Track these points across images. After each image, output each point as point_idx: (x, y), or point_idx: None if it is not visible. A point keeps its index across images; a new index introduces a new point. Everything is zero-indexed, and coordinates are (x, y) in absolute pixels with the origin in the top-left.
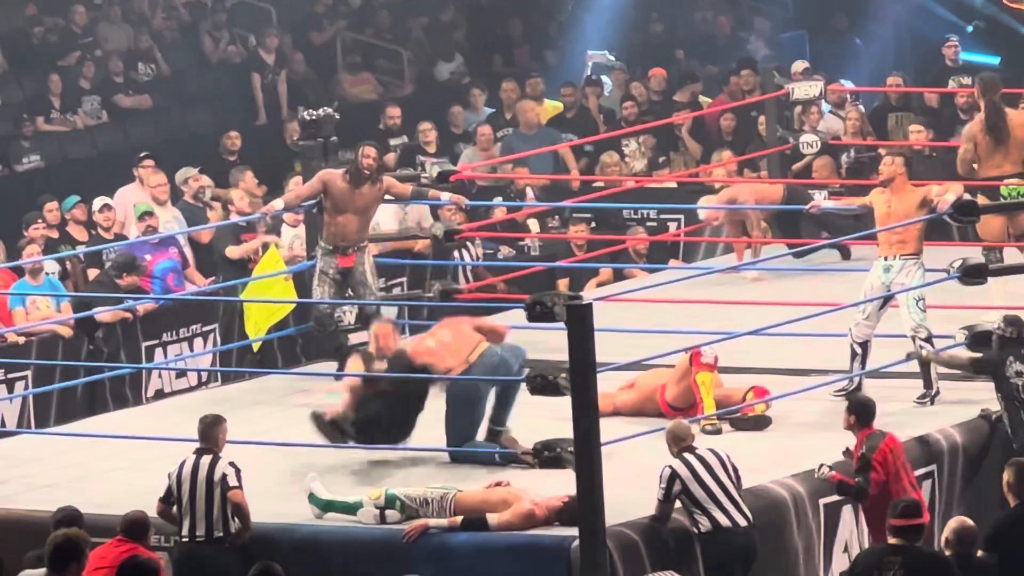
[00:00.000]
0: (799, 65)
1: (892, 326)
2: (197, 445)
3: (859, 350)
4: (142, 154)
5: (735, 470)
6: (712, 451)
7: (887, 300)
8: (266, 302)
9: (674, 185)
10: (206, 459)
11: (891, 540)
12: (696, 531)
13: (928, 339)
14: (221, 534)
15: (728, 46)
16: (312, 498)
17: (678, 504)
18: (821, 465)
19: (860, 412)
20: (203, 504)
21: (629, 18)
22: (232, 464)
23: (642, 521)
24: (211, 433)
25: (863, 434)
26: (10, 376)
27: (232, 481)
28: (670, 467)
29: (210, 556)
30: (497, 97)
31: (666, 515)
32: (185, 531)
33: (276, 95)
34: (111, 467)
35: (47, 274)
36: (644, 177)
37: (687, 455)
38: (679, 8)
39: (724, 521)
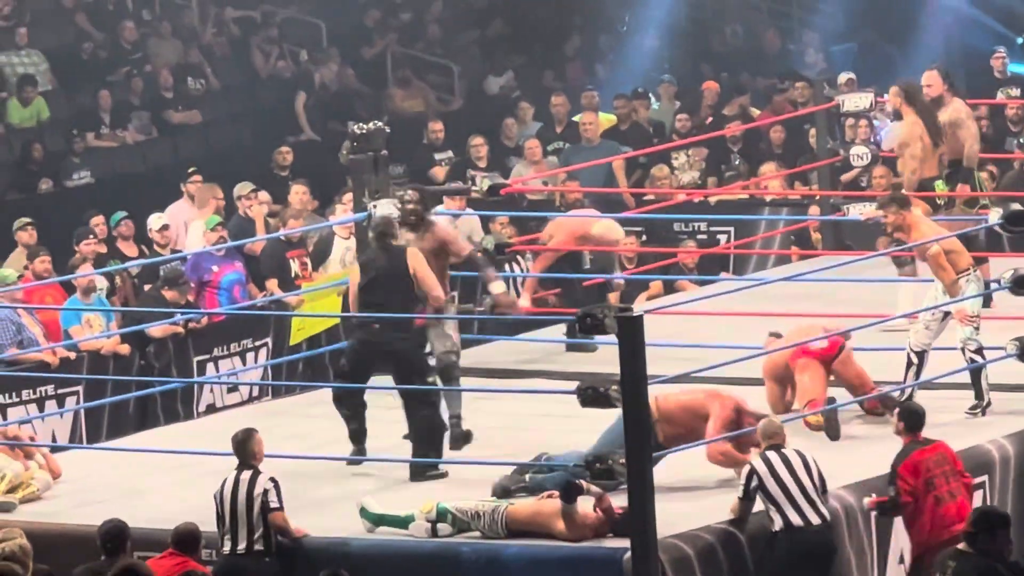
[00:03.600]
0: (844, 77)
1: (944, 338)
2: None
3: (916, 360)
4: (190, 170)
5: (819, 474)
6: (797, 451)
7: (947, 314)
8: (315, 316)
9: (727, 197)
10: (246, 475)
11: (960, 545)
12: (772, 530)
13: (978, 351)
14: (262, 548)
15: (777, 59)
16: (364, 512)
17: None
18: (864, 498)
19: (907, 419)
20: (244, 519)
21: (680, 31)
22: (272, 480)
23: (694, 532)
24: (244, 449)
25: (905, 442)
26: (61, 391)
27: (272, 501)
28: (750, 464)
29: (250, 569)
30: (547, 111)
31: (745, 514)
32: (227, 546)
33: (325, 110)
34: (162, 482)
35: (97, 291)
36: (695, 190)
37: (770, 453)
38: (729, 21)
39: (796, 520)
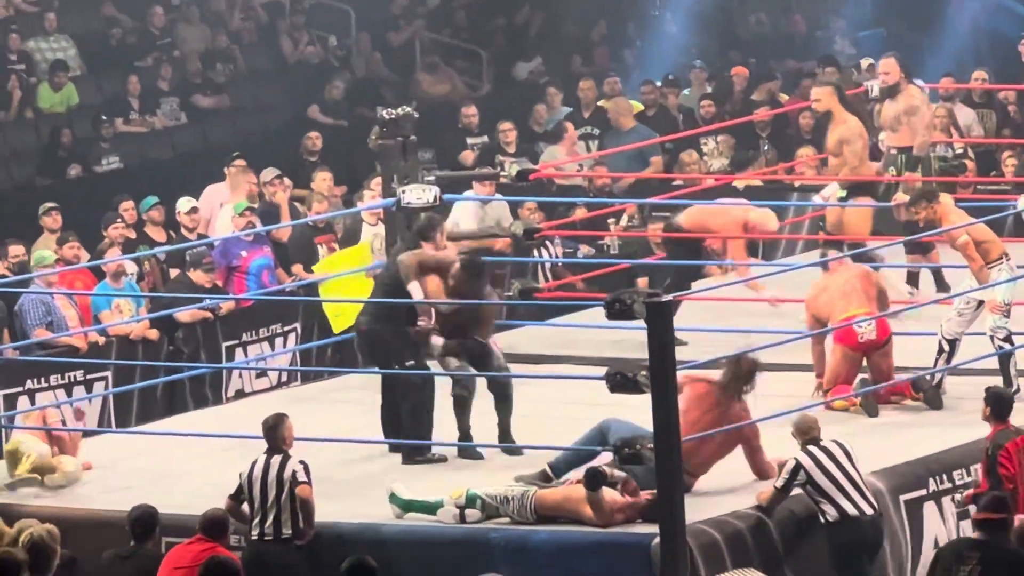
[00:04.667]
0: (866, 62)
1: (973, 325)
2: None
3: (947, 347)
4: (235, 154)
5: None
6: (836, 442)
7: (981, 302)
8: (343, 301)
9: (758, 183)
10: (276, 459)
11: (974, 534)
12: (825, 521)
13: (1007, 339)
14: (290, 532)
15: (805, 46)
16: (393, 498)
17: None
18: (954, 494)
19: (995, 405)
20: (274, 503)
21: (707, 18)
22: (302, 462)
23: (722, 518)
24: (275, 435)
25: (995, 430)
26: (90, 376)
27: (301, 477)
28: (795, 459)
29: (279, 554)
30: (575, 96)
31: (776, 504)
32: (255, 531)
33: (355, 96)
34: (191, 467)
35: (126, 276)
36: (724, 175)
37: (811, 447)
38: (755, 9)
39: (851, 510)
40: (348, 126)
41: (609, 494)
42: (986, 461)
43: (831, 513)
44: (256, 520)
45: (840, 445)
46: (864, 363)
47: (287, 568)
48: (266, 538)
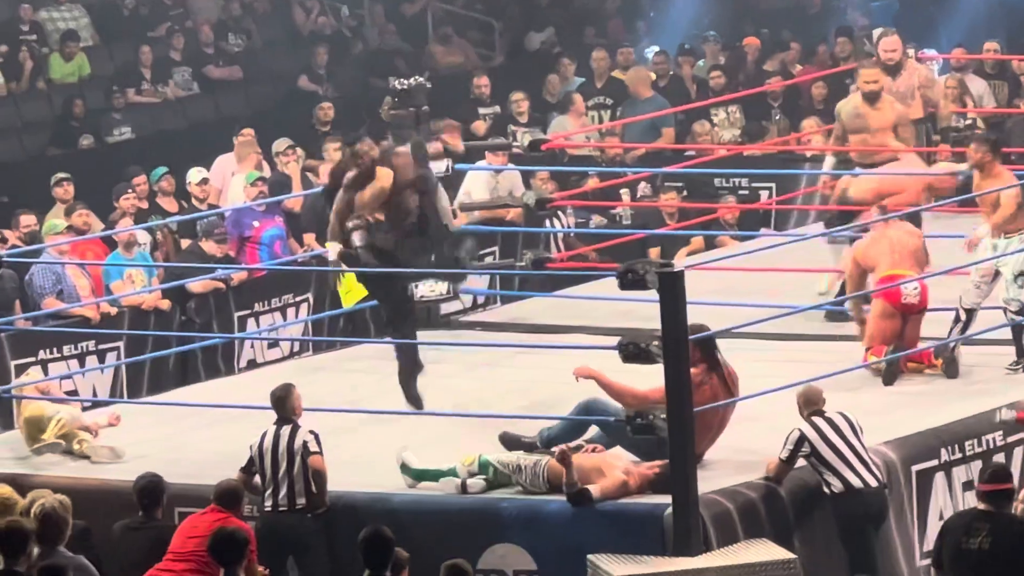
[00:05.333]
0: (877, 32)
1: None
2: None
3: (964, 316)
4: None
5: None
6: (841, 414)
7: (997, 274)
8: (354, 271)
9: (765, 153)
10: (286, 429)
11: (980, 506)
12: (828, 492)
13: (1020, 312)
14: (304, 502)
15: (819, 16)
16: (404, 468)
17: (801, 462)
18: (1000, 408)
19: None
20: (285, 474)
21: None
22: (312, 432)
23: (735, 488)
24: (284, 405)
25: None
26: (102, 347)
27: (312, 447)
28: (799, 430)
29: (292, 525)
30: (587, 67)
31: (783, 475)
32: (268, 501)
33: (367, 65)
34: (203, 437)
35: (139, 246)
36: (735, 145)
37: (816, 419)
38: None
39: (856, 482)
40: (339, 95)
41: (622, 463)
42: None
43: (835, 485)
44: (268, 491)
45: (845, 417)
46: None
47: (301, 538)
48: (280, 509)
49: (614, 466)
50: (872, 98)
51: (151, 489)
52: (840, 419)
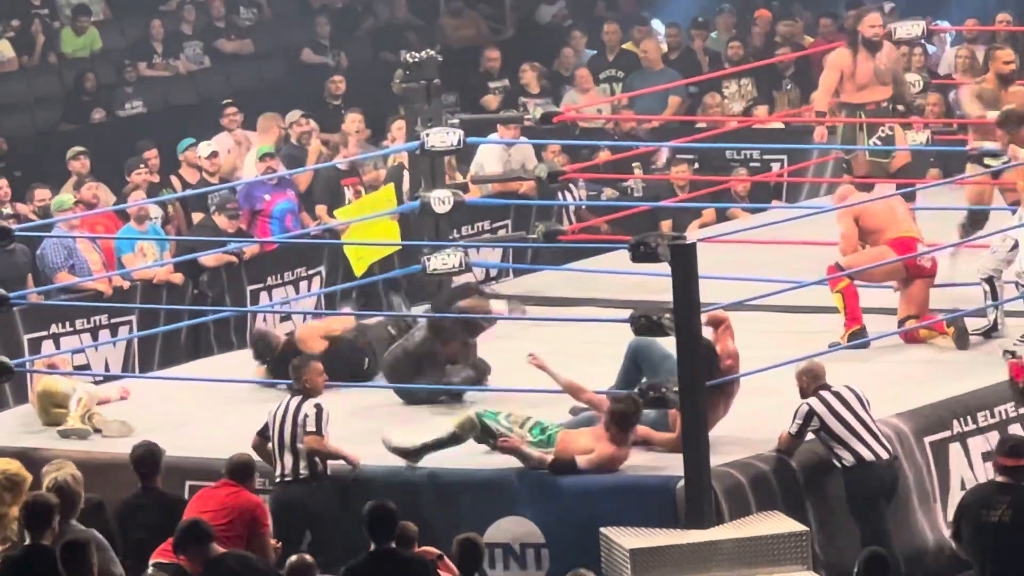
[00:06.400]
0: (888, 5)
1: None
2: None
3: (986, 286)
4: (225, 101)
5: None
6: (848, 387)
7: (1016, 244)
8: (367, 245)
9: (780, 125)
10: (295, 400)
11: (999, 479)
12: (841, 466)
13: None
14: (307, 474)
15: None
16: (399, 451)
17: (810, 436)
18: (1005, 352)
19: None
20: (291, 446)
21: None
22: (317, 406)
23: (747, 460)
24: (299, 375)
25: None
26: (115, 321)
27: (311, 426)
28: (807, 404)
29: (303, 496)
30: (599, 40)
31: (792, 450)
32: (277, 471)
33: (378, 39)
34: (216, 411)
35: (151, 219)
36: (746, 117)
37: (823, 392)
38: None
39: (867, 455)
40: (369, 69)
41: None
42: None
43: (847, 458)
44: (278, 461)
45: (852, 390)
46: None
47: (311, 509)
48: (286, 479)
49: (601, 436)
50: (1007, 80)
51: (148, 457)
52: (847, 392)
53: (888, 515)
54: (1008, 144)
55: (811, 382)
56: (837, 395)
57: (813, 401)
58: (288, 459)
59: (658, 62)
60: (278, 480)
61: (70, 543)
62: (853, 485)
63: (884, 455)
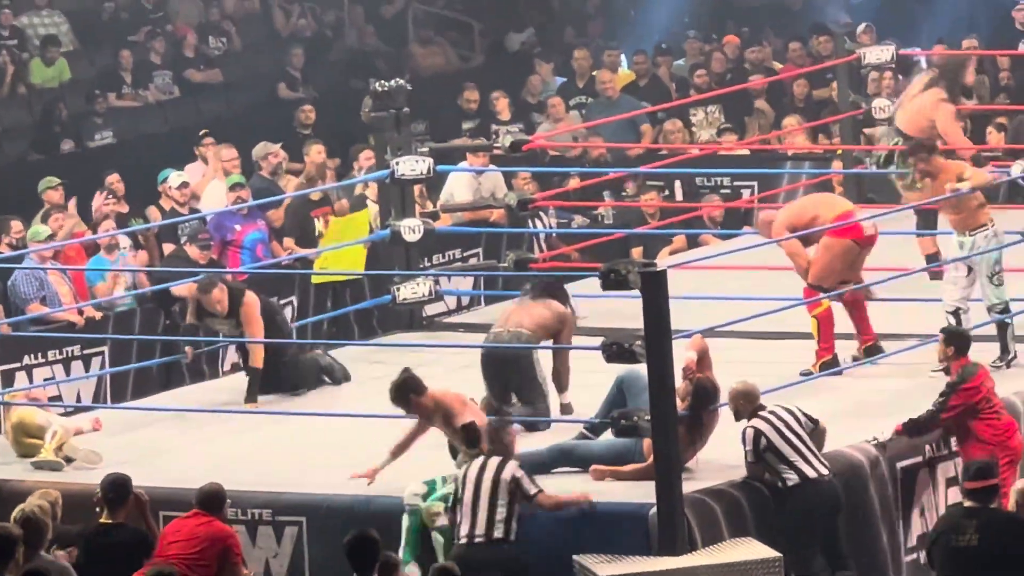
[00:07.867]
0: (862, 26)
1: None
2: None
3: (953, 320)
4: (202, 132)
5: (808, 418)
6: (783, 407)
7: (971, 269)
8: (337, 274)
9: (747, 152)
10: (494, 461)
11: (966, 503)
12: (781, 486)
13: (1005, 311)
14: (500, 535)
15: (800, 14)
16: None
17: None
18: (873, 438)
19: (958, 343)
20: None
21: None
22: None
23: (720, 488)
24: (498, 437)
25: (959, 364)
26: (87, 352)
27: (529, 486)
28: (752, 427)
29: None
30: (569, 66)
31: (758, 475)
32: (465, 531)
33: (347, 67)
34: (188, 441)
35: (121, 249)
36: (711, 144)
37: (764, 413)
38: None
39: (811, 473)
40: (318, 97)
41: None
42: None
43: (791, 478)
44: (466, 521)
45: (787, 409)
46: None
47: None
48: (476, 539)
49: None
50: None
51: (120, 484)
52: (785, 413)
53: (841, 533)
54: (927, 173)
55: (747, 404)
56: (777, 415)
57: (758, 423)
58: (482, 518)
59: (615, 91)
60: (464, 540)
61: (30, 572)
62: (800, 504)
63: (825, 472)
